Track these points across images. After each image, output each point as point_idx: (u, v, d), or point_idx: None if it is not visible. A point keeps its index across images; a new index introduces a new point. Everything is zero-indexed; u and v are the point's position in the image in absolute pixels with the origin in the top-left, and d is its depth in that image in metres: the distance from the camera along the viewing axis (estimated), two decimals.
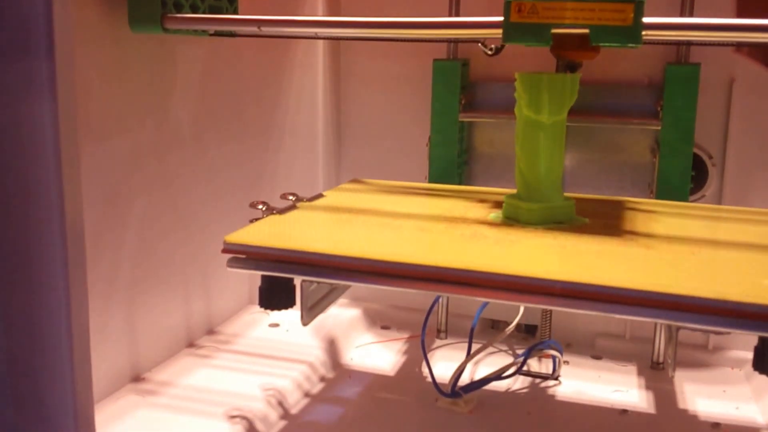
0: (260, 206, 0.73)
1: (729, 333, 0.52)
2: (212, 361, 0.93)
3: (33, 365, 0.63)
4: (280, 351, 0.97)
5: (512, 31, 0.63)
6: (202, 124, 0.95)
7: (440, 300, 1.06)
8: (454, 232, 0.68)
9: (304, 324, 0.66)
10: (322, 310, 0.70)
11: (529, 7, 0.62)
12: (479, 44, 0.74)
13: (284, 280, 0.64)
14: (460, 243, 0.64)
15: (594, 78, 0.96)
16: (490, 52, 0.74)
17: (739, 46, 0.91)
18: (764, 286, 0.53)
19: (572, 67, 0.68)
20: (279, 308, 0.64)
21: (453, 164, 1.00)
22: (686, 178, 0.92)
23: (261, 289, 0.65)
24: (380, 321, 1.12)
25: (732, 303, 0.50)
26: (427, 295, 0.99)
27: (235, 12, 0.86)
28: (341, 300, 1.16)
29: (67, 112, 0.55)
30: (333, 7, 1.06)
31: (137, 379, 0.87)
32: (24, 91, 0.54)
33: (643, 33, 0.61)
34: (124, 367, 0.85)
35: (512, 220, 0.71)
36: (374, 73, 1.08)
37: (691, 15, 0.90)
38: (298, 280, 0.64)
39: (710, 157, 0.96)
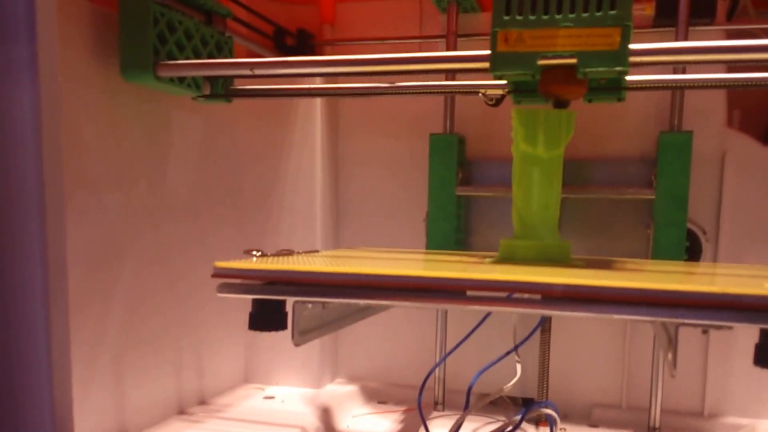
0: (255, 252, 0.68)
1: (730, 328, 0.46)
2: (203, 425, 0.86)
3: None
4: (275, 418, 0.89)
5: (499, 60, 0.61)
6: (198, 194, 0.92)
7: (437, 374, 1.00)
8: (451, 264, 0.64)
9: (296, 344, 0.60)
10: (315, 336, 0.64)
11: (515, 36, 0.60)
12: (480, 94, 0.72)
13: (275, 303, 0.58)
14: (457, 268, 0.60)
15: (589, 155, 0.94)
16: (491, 102, 0.72)
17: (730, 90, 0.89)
18: (764, 286, 0.48)
19: (560, 104, 0.65)
20: (269, 329, 0.58)
21: (451, 238, 0.96)
22: (681, 247, 0.87)
23: (251, 314, 0.59)
24: (377, 397, 1.05)
25: (732, 296, 0.45)
26: (424, 372, 0.93)
27: (231, 79, 0.85)
28: (339, 378, 1.09)
29: (49, 101, 0.51)
30: (332, 123, 1.06)
31: None
32: (3, 76, 0.51)
33: (631, 58, 0.59)
34: (110, 428, 0.77)
35: (508, 260, 0.67)
36: (371, 151, 1.06)
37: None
38: (290, 304, 0.59)
39: (704, 233, 0.92)
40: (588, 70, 0.59)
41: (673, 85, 0.72)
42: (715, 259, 0.92)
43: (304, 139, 1.01)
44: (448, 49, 0.96)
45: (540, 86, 0.63)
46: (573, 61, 0.59)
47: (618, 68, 0.58)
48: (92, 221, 0.74)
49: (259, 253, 0.68)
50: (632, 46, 0.59)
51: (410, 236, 1.03)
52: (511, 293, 0.51)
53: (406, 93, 0.77)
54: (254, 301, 0.59)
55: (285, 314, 0.60)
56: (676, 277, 0.56)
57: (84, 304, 0.73)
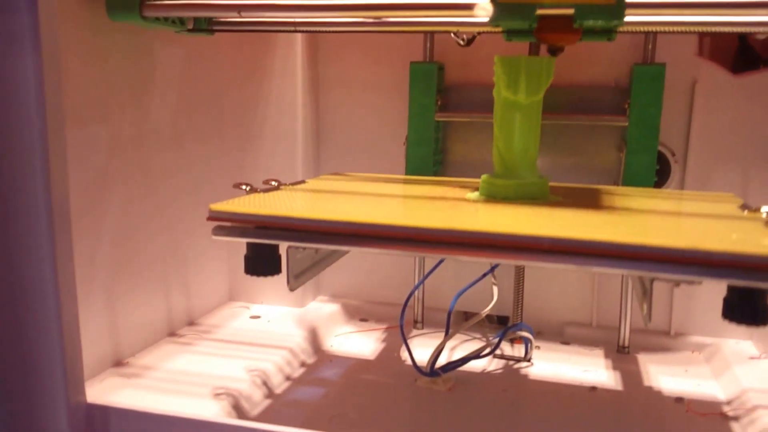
0: (244, 186, 0.70)
1: (700, 282, 0.50)
2: (194, 348, 0.90)
3: (23, 333, 0.60)
4: (262, 339, 0.94)
5: (499, 11, 0.62)
6: (182, 121, 0.93)
7: (416, 293, 1.04)
8: (437, 203, 0.67)
9: (291, 289, 0.63)
10: (308, 278, 0.67)
11: None
12: (452, 35, 0.73)
13: (269, 247, 0.61)
14: (443, 210, 0.63)
15: (565, 81, 0.95)
16: (462, 43, 0.73)
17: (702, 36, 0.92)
18: (732, 239, 0.52)
19: (554, 51, 0.67)
20: (265, 274, 0.62)
21: (429, 162, 0.99)
22: (651, 172, 0.91)
23: (246, 257, 0.62)
24: (359, 315, 1.10)
25: (703, 252, 0.49)
26: (404, 291, 0.98)
27: None
28: (321, 296, 1.14)
29: (51, 68, 0.52)
30: (312, 49, 1.05)
31: (119, 363, 0.83)
32: (6, 45, 0.52)
33: (626, 11, 0.60)
34: (105, 351, 0.81)
35: (489, 197, 0.70)
36: (352, 77, 1.06)
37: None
38: (283, 247, 0.62)
39: (673, 154, 0.96)
40: (585, 21, 0.61)
41: (649, 28, 0.74)
42: (683, 180, 0.97)
43: (284, 64, 1.01)
44: None
45: (536, 33, 0.64)
46: (570, 11, 0.60)
47: (614, 22, 0.60)
48: (81, 155, 0.75)
49: (248, 187, 0.70)
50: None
51: (391, 158, 1.05)
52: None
53: (389, 31, 0.78)
54: (249, 244, 0.62)
55: (279, 257, 0.62)
56: (648, 225, 0.60)
57: (76, 235, 0.74)
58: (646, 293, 0.54)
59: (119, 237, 0.82)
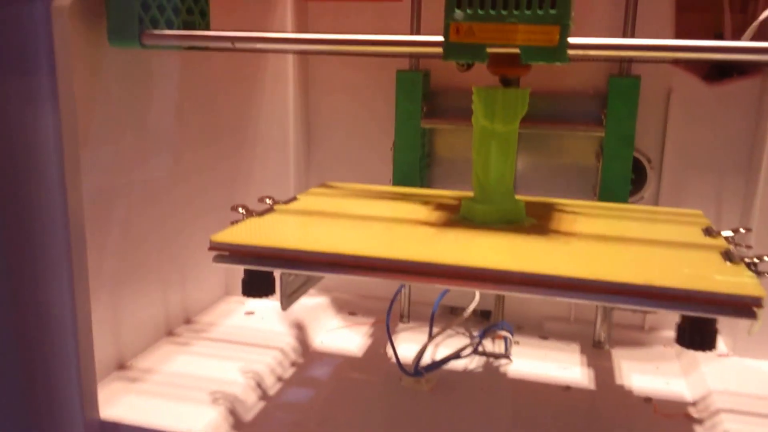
0: (240, 210, 0.76)
1: (655, 312, 0.56)
2: (192, 348, 0.96)
3: (41, 352, 0.66)
4: (255, 338, 1.00)
5: (451, 49, 0.67)
6: (180, 132, 0.97)
7: (403, 289, 1.10)
8: (419, 231, 0.72)
9: (284, 308, 0.70)
10: (298, 297, 0.74)
11: (465, 28, 0.66)
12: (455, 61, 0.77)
13: (264, 273, 0.67)
14: (424, 241, 0.68)
15: (544, 89, 1.00)
16: (462, 68, 0.77)
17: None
18: (684, 273, 0.58)
19: (507, 82, 0.72)
20: (260, 296, 0.68)
21: (415, 168, 1.04)
22: (626, 180, 0.96)
23: (244, 281, 0.68)
24: (347, 308, 1.16)
25: (657, 288, 0.55)
26: (391, 285, 1.03)
27: (207, 25, 0.89)
28: (311, 290, 1.19)
29: (69, 122, 0.57)
30: (301, 20, 1.09)
31: (122, 366, 0.89)
32: (27, 103, 0.57)
33: (570, 52, 0.65)
34: (110, 355, 0.87)
35: (468, 219, 0.75)
36: (341, 84, 1.11)
37: (632, 33, 0.95)
38: (277, 273, 0.68)
39: (649, 161, 1.01)
40: (530, 62, 0.66)
41: (618, 53, 0.78)
42: (658, 187, 1.02)
43: (276, 73, 1.06)
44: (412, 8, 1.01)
45: (488, 67, 0.70)
46: (517, 51, 0.65)
47: (557, 62, 0.65)
48: (88, 175, 0.79)
49: (245, 212, 0.76)
50: (572, 40, 0.65)
51: (379, 163, 1.10)
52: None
53: (372, 55, 0.82)
54: (246, 270, 0.68)
55: (273, 280, 0.68)
56: (614, 254, 0.65)
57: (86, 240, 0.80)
58: (605, 319, 0.60)
59: (123, 245, 0.87)
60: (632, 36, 0.95)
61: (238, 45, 0.75)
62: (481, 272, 0.59)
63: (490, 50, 0.66)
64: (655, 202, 1.03)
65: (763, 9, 0.93)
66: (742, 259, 0.62)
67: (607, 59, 0.77)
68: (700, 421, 0.82)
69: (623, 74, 0.97)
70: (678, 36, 0.99)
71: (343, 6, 1.09)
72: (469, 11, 0.66)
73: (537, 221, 0.76)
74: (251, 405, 0.84)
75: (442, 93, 1.05)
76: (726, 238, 0.70)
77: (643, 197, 1.03)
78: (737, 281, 0.56)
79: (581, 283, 0.57)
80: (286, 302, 0.70)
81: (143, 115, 0.89)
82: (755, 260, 0.61)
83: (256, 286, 0.67)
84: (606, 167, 0.97)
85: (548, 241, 0.69)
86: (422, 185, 1.06)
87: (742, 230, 0.71)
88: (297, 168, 1.10)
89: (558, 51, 0.65)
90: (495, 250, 0.65)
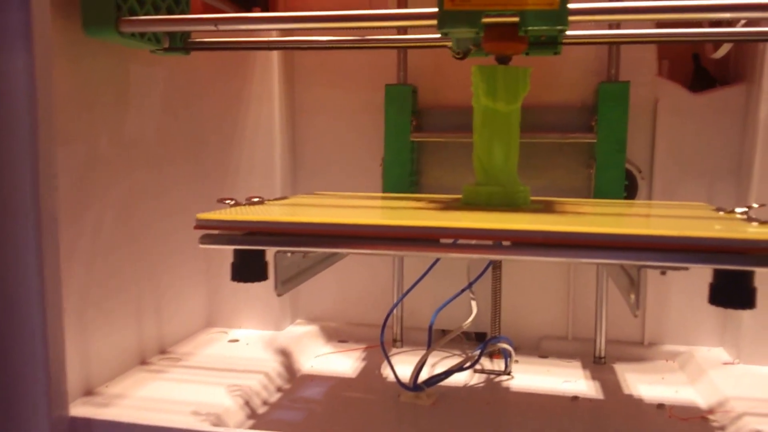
0: (228, 201, 0.68)
1: (687, 269, 0.49)
2: (168, 374, 0.86)
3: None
4: (238, 364, 0.90)
5: (446, 18, 0.62)
6: (159, 145, 0.91)
7: (395, 312, 1.02)
8: (421, 211, 0.65)
9: (279, 294, 0.61)
10: (294, 285, 0.65)
11: None
12: (449, 48, 0.72)
13: (256, 254, 0.59)
14: (429, 213, 0.61)
15: (534, 103, 0.95)
16: (458, 57, 0.72)
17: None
18: (716, 228, 0.52)
19: (502, 60, 0.67)
20: (251, 280, 0.59)
21: (405, 182, 0.98)
22: (620, 186, 0.91)
23: (233, 264, 0.60)
24: (337, 336, 1.07)
25: (690, 239, 0.48)
26: (381, 311, 0.95)
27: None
28: (298, 319, 1.11)
29: (43, 70, 0.50)
30: (288, 75, 1.04)
31: (90, 392, 0.78)
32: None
33: (570, 17, 0.60)
34: (76, 380, 0.76)
35: (472, 204, 0.69)
36: (328, 99, 1.06)
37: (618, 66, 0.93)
38: (271, 254, 0.60)
39: (639, 171, 0.96)
40: (529, 28, 0.61)
41: (606, 40, 0.74)
42: (650, 195, 0.97)
43: (262, 88, 1.00)
44: (398, 2, 0.96)
45: (483, 43, 0.65)
46: (515, 19, 0.60)
47: (558, 27, 0.60)
48: (68, 174, 0.72)
49: (233, 202, 0.67)
50: (571, 6, 0.60)
51: (366, 180, 1.04)
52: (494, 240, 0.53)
53: (362, 47, 0.78)
54: (236, 251, 0.59)
55: (266, 264, 0.60)
56: (633, 221, 0.59)
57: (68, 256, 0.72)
58: (633, 284, 0.53)
59: (95, 258, 0.79)
60: (617, 60, 0.93)
61: (222, 27, 0.69)
62: (498, 233, 0.52)
63: (486, 20, 0.61)
64: None
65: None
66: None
67: (600, 41, 0.72)
68: (721, 425, 0.74)
69: (612, 80, 0.93)
70: (659, 56, 0.96)
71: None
72: None
73: (544, 207, 0.70)
74: (241, 421, 0.74)
75: (430, 110, 1.00)
76: (740, 214, 0.64)
77: None
78: None
79: (611, 239, 0.50)
80: (282, 288, 0.61)
81: (121, 121, 0.83)
82: None
83: (248, 268, 0.59)
84: (599, 174, 0.91)
85: (562, 216, 0.62)
86: None
87: (755, 205, 0.65)
88: (284, 183, 1.03)
89: (559, 14, 0.60)
90: (506, 219, 0.58)
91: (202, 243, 0.59)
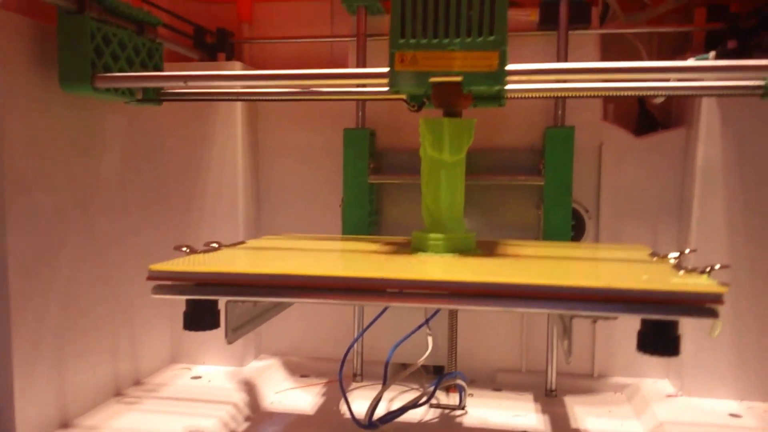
0: (184, 249, 0.68)
1: (616, 317, 0.51)
2: (140, 406, 0.86)
3: None
4: (202, 400, 0.89)
5: (396, 78, 0.64)
6: (127, 187, 0.91)
7: (355, 347, 1.02)
8: (372, 257, 0.66)
9: (229, 342, 0.61)
10: (246, 332, 0.65)
11: (410, 56, 0.63)
12: (404, 102, 0.74)
13: (208, 303, 0.59)
14: (379, 263, 0.62)
15: (485, 145, 0.97)
16: (413, 109, 0.74)
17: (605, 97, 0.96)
18: (644, 279, 0.53)
19: (451, 114, 0.69)
20: (203, 329, 0.59)
21: (364, 222, 0.99)
22: (567, 226, 0.93)
23: (185, 314, 0.60)
24: (299, 371, 1.07)
25: (618, 290, 0.50)
26: (343, 346, 0.96)
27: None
28: (262, 354, 1.10)
29: None
30: (251, 117, 1.06)
31: (66, 425, 0.79)
32: None
33: (508, 78, 0.63)
34: (52, 414, 0.77)
35: (421, 251, 0.70)
36: (289, 142, 1.07)
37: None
38: (222, 302, 0.60)
39: (587, 211, 0.98)
40: (472, 87, 0.64)
41: (548, 95, 0.77)
42: (597, 234, 0.99)
43: (225, 131, 1.01)
44: (357, 49, 0.98)
45: (432, 99, 0.67)
46: (459, 79, 0.63)
47: (497, 87, 0.64)
48: (28, 222, 0.72)
49: (188, 250, 0.68)
50: (509, 67, 0.63)
51: (327, 220, 1.05)
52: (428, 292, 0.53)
53: (322, 99, 0.80)
54: (187, 301, 0.59)
55: (218, 312, 0.60)
56: (568, 270, 0.60)
57: (24, 300, 0.72)
58: (566, 331, 0.54)
59: (67, 300, 0.79)
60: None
61: (191, 83, 0.70)
62: (438, 285, 0.53)
63: (433, 80, 0.64)
64: None
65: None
66: (694, 270, 0.57)
67: (543, 95, 0.76)
68: None
69: (558, 125, 0.95)
70: (605, 98, 0.99)
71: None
72: (412, 40, 0.63)
73: (488, 252, 0.71)
74: None
75: (388, 152, 1.02)
76: (673, 260, 0.66)
77: None
78: (696, 282, 0.51)
79: (541, 290, 0.51)
80: (232, 335, 0.61)
81: (90, 168, 0.83)
82: (707, 270, 0.56)
83: (199, 317, 0.59)
84: (547, 215, 0.93)
85: (502, 261, 0.63)
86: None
87: (687, 251, 0.67)
88: (246, 224, 1.03)
89: (498, 75, 0.63)
90: (449, 268, 0.60)
91: (155, 293, 0.59)
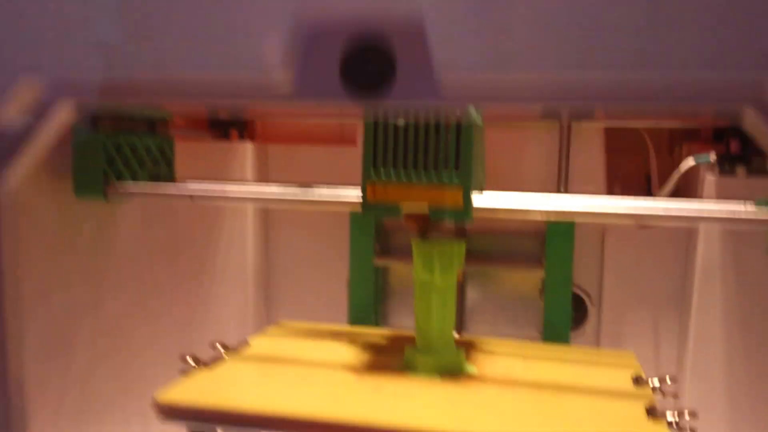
0: (189, 359, 0.73)
1: None
2: None
3: None
4: None
5: (369, 208, 0.69)
6: (140, 278, 0.94)
7: None
8: (360, 385, 0.70)
9: None
10: None
11: (381, 188, 0.67)
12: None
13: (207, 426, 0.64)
14: (364, 397, 0.66)
15: (488, 228, 1.00)
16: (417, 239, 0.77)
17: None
18: None
19: (424, 234, 0.72)
20: None
21: (370, 303, 1.02)
22: (567, 317, 0.95)
23: None
24: None
25: None
26: None
27: (173, 173, 0.88)
28: None
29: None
30: (262, 162, 1.09)
31: None
32: None
33: (474, 213, 0.67)
34: None
35: (411, 368, 0.73)
36: (299, 229, 1.11)
37: (566, 183, 0.97)
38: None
39: (589, 297, 1.00)
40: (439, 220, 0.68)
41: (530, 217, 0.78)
42: (599, 320, 1.00)
43: (234, 219, 1.05)
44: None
45: (405, 223, 0.71)
46: (426, 212, 0.67)
47: (463, 221, 0.67)
48: (42, 321, 0.76)
49: (193, 360, 0.73)
50: (476, 201, 0.67)
51: (335, 300, 1.08)
52: None
53: (325, 206, 0.83)
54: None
55: None
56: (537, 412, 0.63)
57: (40, 392, 0.76)
58: None
59: (83, 391, 0.83)
60: (566, 185, 0.97)
61: (197, 201, 0.75)
62: None
63: (404, 211, 0.67)
64: (597, 336, 1.01)
65: (687, 153, 0.95)
66: (664, 415, 0.60)
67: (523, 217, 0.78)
68: None
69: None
70: (609, 179, 1.00)
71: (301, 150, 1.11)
72: (383, 171, 0.67)
73: (477, 369, 0.73)
74: None
75: (395, 231, 1.05)
76: (653, 389, 0.68)
77: (585, 331, 1.01)
78: None
79: None
80: None
81: (105, 262, 0.86)
82: (676, 418, 0.59)
83: None
84: (548, 305, 0.95)
85: (481, 395, 0.67)
86: (377, 319, 1.04)
87: (668, 380, 0.69)
88: (256, 306, 1.08)
89: (464, 212, 0.66)
90: (428, 408, 0.63)
91: (161, 419, 0.64)
